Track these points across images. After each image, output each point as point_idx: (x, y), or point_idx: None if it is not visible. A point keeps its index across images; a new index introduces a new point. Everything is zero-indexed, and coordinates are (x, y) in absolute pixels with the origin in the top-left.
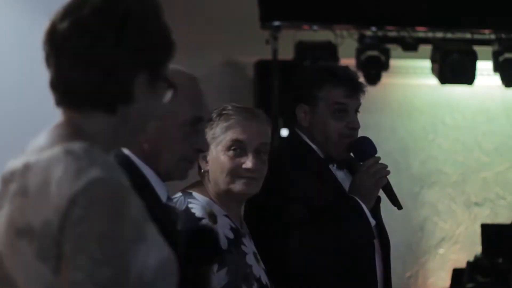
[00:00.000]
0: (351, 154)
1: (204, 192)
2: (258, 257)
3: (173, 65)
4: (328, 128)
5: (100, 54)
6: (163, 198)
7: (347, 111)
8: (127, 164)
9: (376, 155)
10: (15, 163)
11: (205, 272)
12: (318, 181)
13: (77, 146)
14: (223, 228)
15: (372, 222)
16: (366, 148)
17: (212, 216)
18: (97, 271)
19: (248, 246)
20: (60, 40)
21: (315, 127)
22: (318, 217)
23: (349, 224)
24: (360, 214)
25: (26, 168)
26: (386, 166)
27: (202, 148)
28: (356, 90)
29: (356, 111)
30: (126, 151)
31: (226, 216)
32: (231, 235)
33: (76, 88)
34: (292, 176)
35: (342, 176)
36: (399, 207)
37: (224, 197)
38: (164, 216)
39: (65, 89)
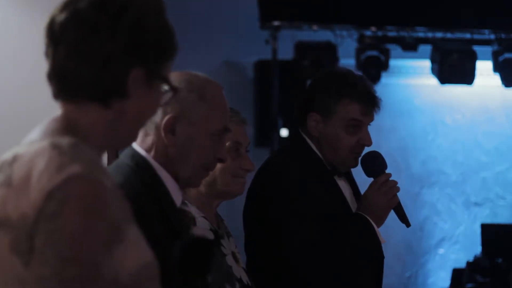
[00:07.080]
0: (362, 168)
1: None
2: (237, 256)
3: (203, 75)
4: (339, 141)
5: (95, 46)
6: (178, 202)
7: (361, 127)
8: (144, 166)
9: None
10: (7, 154)
11: (199, 284)
12: (325, 193)
13: (65, 141)
14: (204, 230)
15: (382, 241)
16: (377, 163)
17: (191, 218)
18: (65, 269)
19: (227, 247)
20: (57, 31)
21: (325, 138)
22: (327, 232)
23: (359, 243)
24: (370, 233)
25: (14, 159)
26: (396, 183)
27: (222, 158)
28: (373, 107)
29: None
30: (143, 152)
31: (203, 217)
32: (211, 236)
33: (71, 78)
34: (300, 185)
35: (343, 185)
36: (407, 224)
37: (211, 198)
38: (176, 219)
39: (60, 80)
